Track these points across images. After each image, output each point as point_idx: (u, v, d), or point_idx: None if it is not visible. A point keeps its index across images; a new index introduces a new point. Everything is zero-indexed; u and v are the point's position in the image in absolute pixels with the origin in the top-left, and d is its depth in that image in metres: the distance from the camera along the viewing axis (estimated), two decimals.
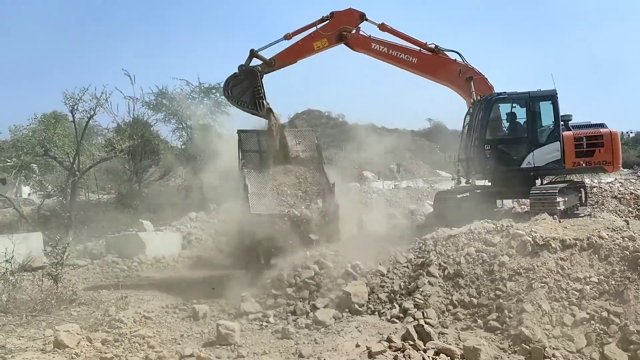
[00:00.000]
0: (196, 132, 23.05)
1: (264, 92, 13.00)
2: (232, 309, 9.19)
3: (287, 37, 13.23)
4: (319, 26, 13.23)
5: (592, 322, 7.35)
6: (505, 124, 12.45)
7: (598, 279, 7.92)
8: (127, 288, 11.97)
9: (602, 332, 7.23)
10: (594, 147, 11.88)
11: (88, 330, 8.19)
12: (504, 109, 12.34)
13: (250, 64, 13.16)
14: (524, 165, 11.86)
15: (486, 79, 13.30)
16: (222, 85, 14.35)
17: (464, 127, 12.90)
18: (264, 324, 8.54)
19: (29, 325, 8.73)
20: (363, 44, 13.42)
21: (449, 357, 6.51)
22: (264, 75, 13.09)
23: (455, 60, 13.37)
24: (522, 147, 11.95)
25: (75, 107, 19.56)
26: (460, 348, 6.63)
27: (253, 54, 13.13)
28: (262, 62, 13.14)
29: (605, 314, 7.38)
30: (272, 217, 11.76)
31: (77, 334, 7.50)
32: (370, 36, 13.42)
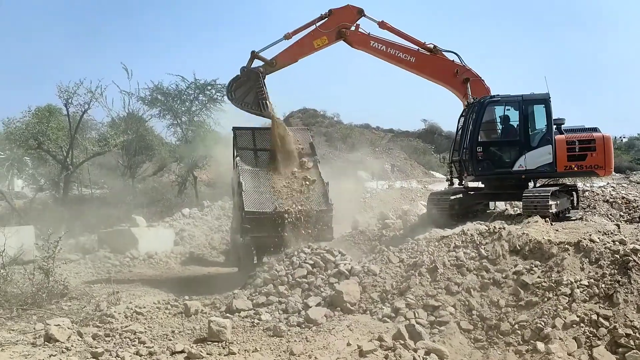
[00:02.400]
0: (191, 129, 23.06)
1: (266, 93, 13.13)
2: (224, 306, 9.19)
3: (287, 36, 13.34)
4: (318, 24, 13.30)
5: (582, 325, 7.41)
6: (499, 126, 12.49)
7: (588, 282, 7.98)
8: (118, 283, 11.97)
9: (591, 335, 7.28)
10: (586, 150, 11.86)
11: (79, 324, 8.16)
12: (498, 111, 12.38)
13: (252, 66, 13.29)
14: (515, 168, 11.92)
15: (483, 80, 13.25)
16: (225, 86, 14.54)
17: (458, 129, 12.93)
18: (256, 321, 8.53)
19: (19, 319, 8.69)
20: (362, 42, 13.48)
21: (439, 357, 6.56)
22: (266, 76, 13.23)
23: (453, 61, 13.36)
24: (514, 150, 11.99)
25: (70, 101, 19.51)
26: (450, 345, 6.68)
27: (254, 55, 13.30)
28: (263, 63, 13.25)
29: (594, 317, 7.43)
30: (265, 215, 11.78)
31: (68, 328, 7.50)
32: (369, 34, 13.43)
